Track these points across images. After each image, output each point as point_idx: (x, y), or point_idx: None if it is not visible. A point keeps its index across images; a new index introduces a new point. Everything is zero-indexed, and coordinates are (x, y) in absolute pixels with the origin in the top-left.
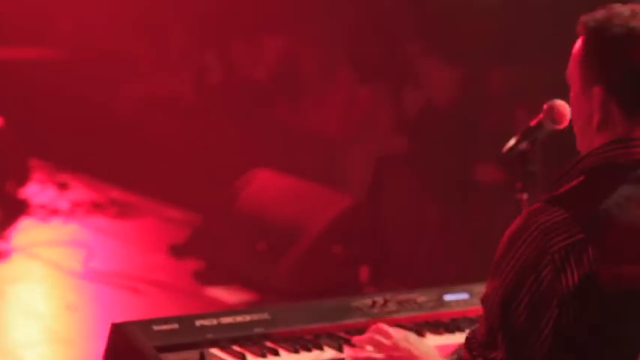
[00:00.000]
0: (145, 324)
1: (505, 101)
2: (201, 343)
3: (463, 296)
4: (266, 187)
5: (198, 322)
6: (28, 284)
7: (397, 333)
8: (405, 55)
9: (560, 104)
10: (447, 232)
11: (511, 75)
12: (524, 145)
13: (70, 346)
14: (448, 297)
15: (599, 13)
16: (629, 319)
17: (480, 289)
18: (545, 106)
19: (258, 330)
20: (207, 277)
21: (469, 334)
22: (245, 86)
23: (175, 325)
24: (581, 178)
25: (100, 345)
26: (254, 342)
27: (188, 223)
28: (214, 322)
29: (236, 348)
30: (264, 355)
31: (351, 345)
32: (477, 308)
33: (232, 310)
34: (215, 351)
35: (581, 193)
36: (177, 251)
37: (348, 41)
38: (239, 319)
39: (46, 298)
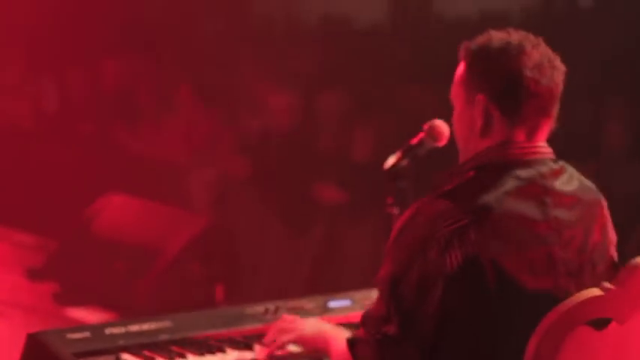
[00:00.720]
0: (59, 332)
1: (339, 124)
2: (113, 349)
3: (346, 303)
4: (121, 210)
5: (107, 330)
6: None
7: (299, 317)
8: (241, 80)
9: (440, 123)
10: (290, 249)
11: (343, 98)
12: (405, 162)
13: None
14: (332, 303)
15: (479, 38)
16: (509, 301)
17: (360, 296)
18: (425, 126)
19: (163, 336)
20: (66, 298)
21: (364, 313)
22: (83, 112)
23: (87, 334)
24: (469, 175)
25: None
26: (161, 347)
27: (41, 247)
28: (123, 329)
29: (146, 353)
30: (172, 358)
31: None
32: (358, 314)
33: (138, 319)
34: (127, 356)
35: (467, 188)
36: (35, 274)
37: (188, 65)
38: (145, 326)
39: None
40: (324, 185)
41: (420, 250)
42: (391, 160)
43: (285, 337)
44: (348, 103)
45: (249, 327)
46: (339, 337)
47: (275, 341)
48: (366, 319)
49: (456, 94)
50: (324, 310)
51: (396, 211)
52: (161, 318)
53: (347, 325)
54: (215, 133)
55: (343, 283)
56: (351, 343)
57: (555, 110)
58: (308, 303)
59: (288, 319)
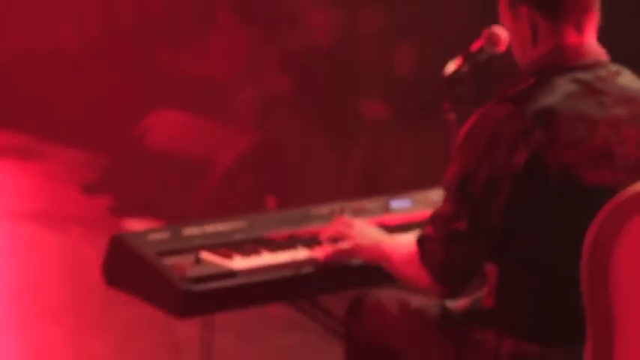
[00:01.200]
0: (140, 234)
1: (382, 40)
2: (192, 248)
3: (407, 203)
4: (172, 125)
5: (186, 231)
6: None
7: (358, 222)
8: None
9: (499, 29)
10: (336, 161)
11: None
12: (465, 68)
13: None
14: (394, 204)
15: None
16: (572, 196)
17: (420, 197)
18: (485, 32)
19: (238, 236)
20: (122, 210)
21: (432, 213)
22: (126, 34)
23: (167, 234)
24: (531, 80)
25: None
26: (236, 245)
27: (93, 164)
28: (200, 230)
29: (223, 250)
30: (248, 255)
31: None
32: (418, 213)
33: (214, 220)
34: (206, 254)
35: (530, 92)
36: (89, 189)
37: None
38: (220, 227)
39: None
40: (369, 100)
41: (488, 149)
42: (451, 67)
43: (341, 248)
44: (389, 17)
45: (317, 226)
46: (398, 243)
47: (332, 249)
48: (435, 218)
49: (503, 15)
50: (385, 210)
51: (452, 116)
52: (235, 219)
53: (408, 225)
54: (256, 52)
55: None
56: (421, 240)
57: (597, 3)
58: (370, 204)
59: (347, 223)
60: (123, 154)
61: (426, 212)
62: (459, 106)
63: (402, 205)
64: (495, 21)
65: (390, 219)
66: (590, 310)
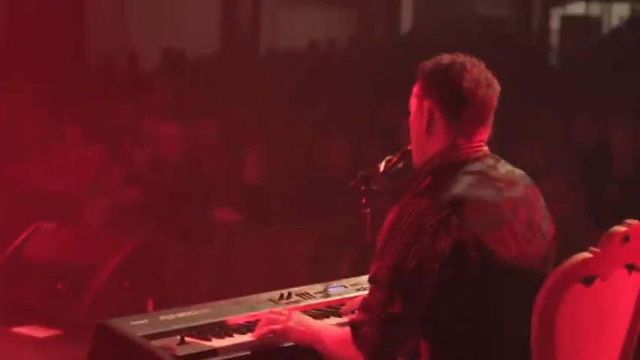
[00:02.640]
0: (124, 320)
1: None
2: (172, 332)
3: (341, 288)
4: (52, 236)
5: (162, 317)
6: None
7: (291, 311)
8: (125, 114)
9: None
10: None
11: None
12: (400, 165)
13: None
14: (331, 289)
15: (433, 59)
16: (491, 271)
17: (352, 281)
18: None
19: (207, 320)
20: (9, 319)
21: (362, 302)
22: None
23: (146, 320)
24: (430, 177)
25: None
26: (209, 329)
27: None
28: (173, 316)
29: (203, 334)
30: (223, 337)
31: None
32: (352, 296)
33: (183, 308)
34: (189, 338)
35: (435, 186)
36: None
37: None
38: (189, 313)
39: None
40: (221, 209)
41: (413, 240)
42: (385, 163)
43: (271, 327)
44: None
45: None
46: (328, 327)
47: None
48: (367, 305)
49: (413, 99)
50: (325, 295)
51: (368, 210)
52: (200, 307)
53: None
54: (105, 167)
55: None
56: (354, 326)
57: (490, 120)
58: (311, 289)
59: (277, 312)
60: (3, 265)
61: (359, 294)
62: (373, 202)
63: (338, 290)
64: None
65: (330, 302)
66: None
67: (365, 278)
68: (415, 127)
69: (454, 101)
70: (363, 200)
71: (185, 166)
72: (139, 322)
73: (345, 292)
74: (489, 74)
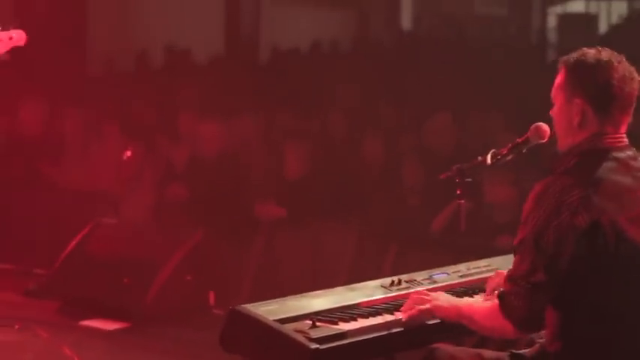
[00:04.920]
0: (255, 306)
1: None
2: (303, 316)
3: (444, 275)
4: (112, 232)
5: (289, 303)
6: None
7: (433, 292)
8: (166, 112)
9: (543, 125)
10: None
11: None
12: (509, 157)
13: None
14: (435, 275)
15: (575, 54)
16: (623, 249)
17: (454, 269)
18: (532, 127)
19: (330, 305)
20: (75, 312)
21: (508, 273)
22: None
23: (276, 306)
24: (576, 159)
25: None
26: (332, 314)
27: (27, 274)
28: (297, 302)
29: (331, 318)
30: (348, 321)
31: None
32: (455, 283)
33: (309, 293)
34: (320, 323)
35: (579, 168)
36: (33, 294)
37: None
38: (312, 300)
39: None
40: (265, 204)
41: (554, 213)
42: (491, 156)
43: (421, 307)
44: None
45: (386, 296)
46: (474, 302)
47: (413, 309)
48: (512, 276)
49: (556, 95)
50: (432, 281)
51: (462, 201)
52: (318, 293)
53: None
54: (146, 164)
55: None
56: (501, 297)
57: (632, 110)
58: (417, 276)
59: (423, 292)
60: (67, 261)
61: (460, 281)
62: (469, 193)
63: (441, 277)
64: None
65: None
66: None
67: (464, 266)
68: (564, 120)
69: (604, 98)
70: (458, 191)
71: (225, 163)
72: (269, 307)
73: (449, 279)
74: (631, 68)
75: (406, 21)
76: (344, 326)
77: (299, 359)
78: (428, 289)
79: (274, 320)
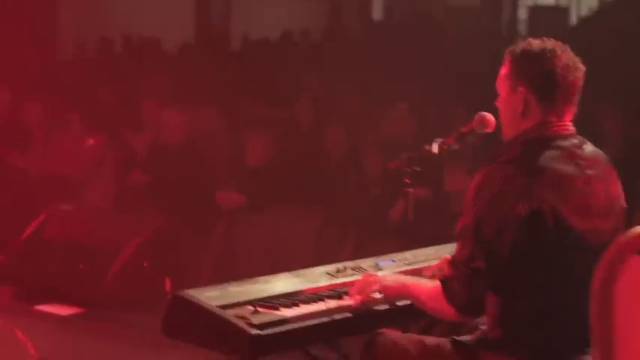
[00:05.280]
0: (198, 292)
1: (223, 135)
2: (244, 302)
3: (389, 262)
4: (69, 217)
5: (231, 289)
6: None
7: (380, 273)
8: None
9: (487, 114)
10: (196, 249)
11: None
12: (455, 147)
13: None
14: (381, 263)
15: (521, 43)
16: (565, 238)
17: (400, 257)
18: (476, 116)
19: (273, 292)
20: (31, 297)
21: (450, 258)
22: None
23: (217, 292)
24: (520, 148)
25: None
26: (276, 300)
27: None
28: (241, 288)
29: (273, 304)
30: (290, 307)
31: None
32: (401, 270)
33: (247, 280)
34: (261, 308)
35: (522, 157)
36: None
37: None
38: (256, 286)
39: None
40: (225, 192)
41: (496, 201)
42: (439, 146)
43: (372, 287)
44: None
45: (331, 283)
46: (420, 282)
47: (363, 290)
48: (455, 262)
49: (502, 85)
50: (376, 268)
51: (411, 189)
52: (263, 279)
53: None
54: (106, 152)
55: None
56: (443, 281)
57: (577, 99)
58: (363, 263)
59: (371, 275)
60: (23, 246)
61: (406, 269)
62: (416, 182)
63: (387, 264)
64: None
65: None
66: (597, 329)
67: (411, 253)
68: (509, 109)
69: (547, 86)
70: (407, 180)
71: (188, 151)
72: (212, 293)
73: (395, 266)
74: (576, 58)
75: (377, 11)
76: (286, 312)
77: (239, 345)
78: None
79: (216, 306)
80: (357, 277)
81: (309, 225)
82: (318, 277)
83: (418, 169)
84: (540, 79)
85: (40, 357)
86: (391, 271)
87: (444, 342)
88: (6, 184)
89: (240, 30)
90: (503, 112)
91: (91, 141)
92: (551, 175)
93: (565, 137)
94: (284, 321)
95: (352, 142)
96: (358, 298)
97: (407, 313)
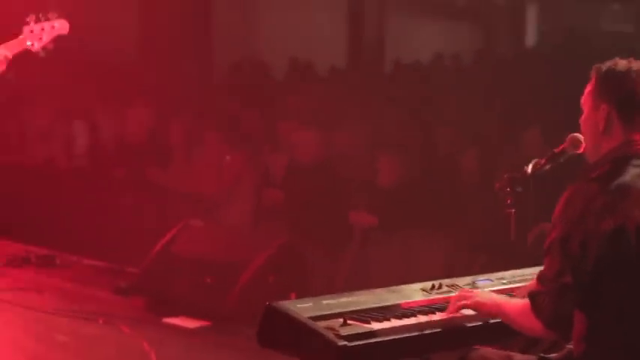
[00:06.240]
0: (291, 303)
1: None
2: (334, 315)
3: (488, 282)
4: (199, 233)
5: (324, 302)
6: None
7: (477, 290)
8: (259, 121)
9: (579, 135)
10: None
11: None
12: (547, 167)
13: None
14: (478, 281)
15: (608, 62)
16: None
17: (497, 276)
18: (568, 137)
19: (366, 306)
20: (160, 310)
21: (539, 274)
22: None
23: (310, 304)
24: (608, 166)
25: None
26: (367, 314)
27: (119, 272)
28: (335, 301)
29: (363, 317)
30: (380, 321)
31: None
32: (496, 290)
33: (343, 294)
34: (352, 321)
35: (607, 174)
36: (122, 291)
37: (214, 110)
38: (350, 299)
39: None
40: (358, 212)
41: (580, 218)
42: (532, 166)
43: (464, 302)
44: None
45: (425, 299)
46: (510, 300)
47: (457, 304)
48: (542, 276)
49: (586, 101)
50: (473, 286)
51: (513, 210)
52: (359, 294)
53: None
54: (244, 170)
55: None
56: (532, 296)
57: None
58: (460, 281)
59: (467, 290)
60: (154, 260)
61: (502, 288)
62: (518, 203)
63: (484, 283)
64: None
65: None
66: None
67: (509, 273)
68: (591, 126)
69: (631, 107)
70: (509, 201)
71: (323, 171)
72: (305, 305)
73: (492, 285)
74: None
75: (530, 36)
76: (375, 325)
77: (327, 355)
78: None
79: (307, 317)
80: (452, 294)
81: (439, 248)
82: (412, 292)
83: (520, 189)
84: (623, 98)
85: None
86: (487, 289)
87: (532, 359)
88: (145, 199)
89: (393, 54)
90: (585, 129)
91: (229, 159)
92: (635, 193)
93: None
94: (372, 334)
95: (487, 166)
96: (451, 311)
97: (499, 331)
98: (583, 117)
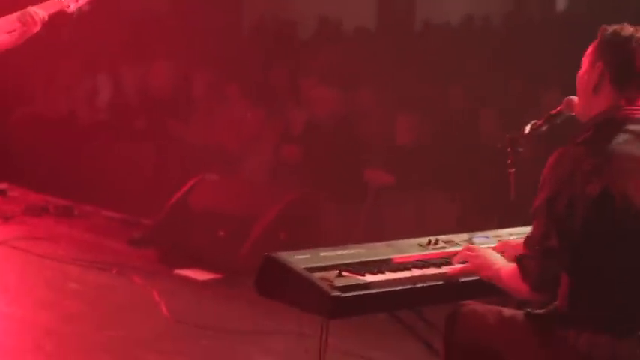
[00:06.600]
0: (289, 254)
1: (377, 115)
2: (331, 266)
3: (484, 238)
4: (215, 187)
5: (322, 254)
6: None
7: (481, 248)
8: (283, 78)
9: (575, 97)
10: (341, 224)
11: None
12: (544, 128)
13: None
14: (476, 239)
15: (615, 25)
16: (633, 217)
17: (496, 233)
18: (564, 100)
19: (362, 259)
20: (172, 261)
21: (525, 237)
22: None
23: (308, 255)
24: (592, 130)
25: None
26: (363, 266)
27: (135, 224)
28: (332, 253)
29: (355, 269)
30: (375, 273)
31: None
32: (491, 247)
33: (340, 246)
34: (346, 272)
35: (593, 139)
36: (136, 243)
37: (235, 66)
38: (347, 251)
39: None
40: (374, 170)
41: (567, 181)
42: (530, 126)
43: (466, 266)
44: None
45: (420, 253)
46: (507, 263)
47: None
48: (529, 240)
49: (586, 58)
50: (470, 243)
51: (513, 170)
52: (356, 247)
53: None
54: (263, 126)
55: None
56: (519, 259)
57: None
58: (457, 237)
59: (472, 248)
60: (170, 212)
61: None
62: (518, 162)
63: (481, 240)
64: None
65: None
66: None
67: (506, 231)
68: (583, 83)
69: (624, 71)
70: (509, 161)
71: (341, 129)
72: (302, 256)
73: (488, 242)
74: None
75: (561, 0)
76: (369, 277)
77: (321, 305)
78: None
79: (303, 268)
80: (448, 249)
81: (453, 208)
82: (408, 247)
83: (521, 149)
84: (619, 61)
85: (172, 318)
86: (482, 245)
87: (519, 313)
88: (165, 152)
89: (423, 14)
90: (579, 86)
91: (249, 115)
92: (621, 158)
93: (636, 121)
94: (366, 285)
95: (507, 128)
96: (454, 269)
97: (493, 286)
98: (580, 72)
